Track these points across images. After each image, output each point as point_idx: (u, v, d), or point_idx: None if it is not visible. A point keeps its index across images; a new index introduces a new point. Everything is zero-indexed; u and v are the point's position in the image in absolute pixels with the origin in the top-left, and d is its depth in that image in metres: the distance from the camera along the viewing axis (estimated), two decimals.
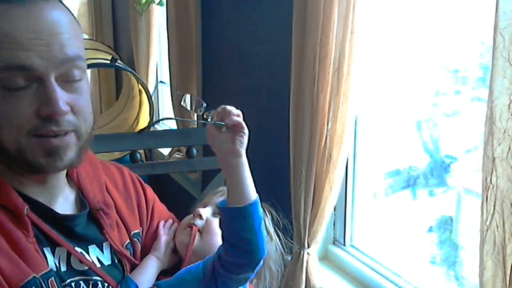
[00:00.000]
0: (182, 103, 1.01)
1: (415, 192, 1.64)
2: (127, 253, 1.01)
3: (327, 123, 1.35)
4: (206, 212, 1.13)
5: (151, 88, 2.92)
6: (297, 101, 1.40)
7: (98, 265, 0.94)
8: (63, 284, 0.86)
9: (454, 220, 1.54)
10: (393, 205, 1.69)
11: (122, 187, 1.07)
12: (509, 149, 0.89)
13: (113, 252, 0.98)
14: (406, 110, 1.58)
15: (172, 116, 2.58)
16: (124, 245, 1.01)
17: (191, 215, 1.14)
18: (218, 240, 1.08)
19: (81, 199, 0.97)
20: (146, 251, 1.08)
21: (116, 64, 2.50)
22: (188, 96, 1.02)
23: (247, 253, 0.95)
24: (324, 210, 1.42)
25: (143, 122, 2.93)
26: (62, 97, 0.80)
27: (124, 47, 3.61)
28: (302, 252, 1.47)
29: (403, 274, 1.49)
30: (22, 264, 0.81)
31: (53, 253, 0.88)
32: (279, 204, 1.20)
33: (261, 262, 0.97)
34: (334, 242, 1.67)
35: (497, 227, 0.92)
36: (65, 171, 0.93)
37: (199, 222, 1.11)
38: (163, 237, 1.10)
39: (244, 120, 0.94)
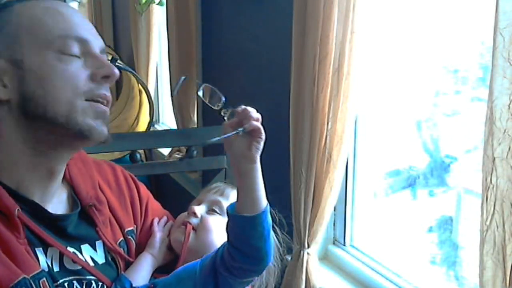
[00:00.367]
0: (199, 92, 0.95)
1: (415, 192, 1.64)
2: (121, 250, 1.00)
3: (327, 123, 1.35)
4: (200, 209, 1.13)
5: (151, 88, 2.92)
6: (297, 101, 1.40)
7: (92, 264, 0.94)
8: (56, 284, 0.86)
9: (454, 220, 1.54)
10: (393, 205, 1.69)
11: (114, 185, 1.07)
12: (509, 149, 0.89)
13: (107, 250, 0.98)
14: (406, 110, 1.58)
15: (172, 116, 2.57)
16: (118, 243, 1.01)
17: (186, 212, 1.14)
18: (213, 238, 1.07)
19: (73, 198, 0.97)
20: (141, 248, 1.07)
21: (116, 64, 2.48)
22: (206, 86, 0.95)
23: (256, 260, 0.93)
24: (324, 210, 1.42)
25: (143, 122, 2.93)
26: None
27: (124, 47, 3.61)
28: (302, 252, 1.47)
29: (403, 274, 1.49)
30: (12, 265, 0.80)
31: (45, 254, 0.87)
32: (279, 204, 1.20)
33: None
34: (334, 242, 1.67)
35: (497, 227, 0.92)
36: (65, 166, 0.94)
37: (193, 220, 1.11)
38: (158, 234, 1.10)
39: (262, 124, 0.90)
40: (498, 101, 0.89)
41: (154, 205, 1.17)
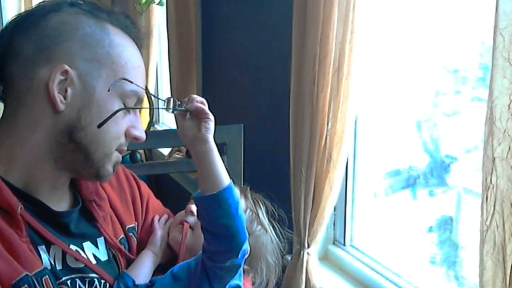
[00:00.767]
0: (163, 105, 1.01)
1: (415, 192, 1.63)
2: (122, 247, 1.00)
3: (327, 123, 1.35)
4: None
5: (151, 88, 2.92)
6: (297, 101, 1.40)
7: (94, 261, 0.94)
8: (59, 282, 0.86)
9: (454, 220, 1.54)
10: (393, 205, 1.69)
11: (115, 182, 1.08)
12: (509, 149, 0.89)
13: (108, 247, 0.98)
14: (406, 110, 1.58)
15: (172, 116, 2.57)
16: (119, 240, 1.01)
17: (183, 211, 1.14)
18: None
19: (75, 194, 0.97)
20: (142, 246, 1.08)
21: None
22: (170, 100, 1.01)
23: (227, 239, 0.94)
24: (324, 210, 1.42)
25: (143, 122, 2.92)
26: None
27: None
28: (302, 252, 1.47)
29: (403, 274, 1.49)
30: (14, 263, 0.80)
31: (48, 252, 0.87)
32: (279, 204, 1.20)
33: (246, 246, 0.96)
34: (334, 242, 1.68)
35: (497, 227, 0.92)
36: None
37: (191, 219, 1.11)
38: (159, 231, 1.10)
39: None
40: (498, 101, 0.89)
41: (155, 202, 1.17)
